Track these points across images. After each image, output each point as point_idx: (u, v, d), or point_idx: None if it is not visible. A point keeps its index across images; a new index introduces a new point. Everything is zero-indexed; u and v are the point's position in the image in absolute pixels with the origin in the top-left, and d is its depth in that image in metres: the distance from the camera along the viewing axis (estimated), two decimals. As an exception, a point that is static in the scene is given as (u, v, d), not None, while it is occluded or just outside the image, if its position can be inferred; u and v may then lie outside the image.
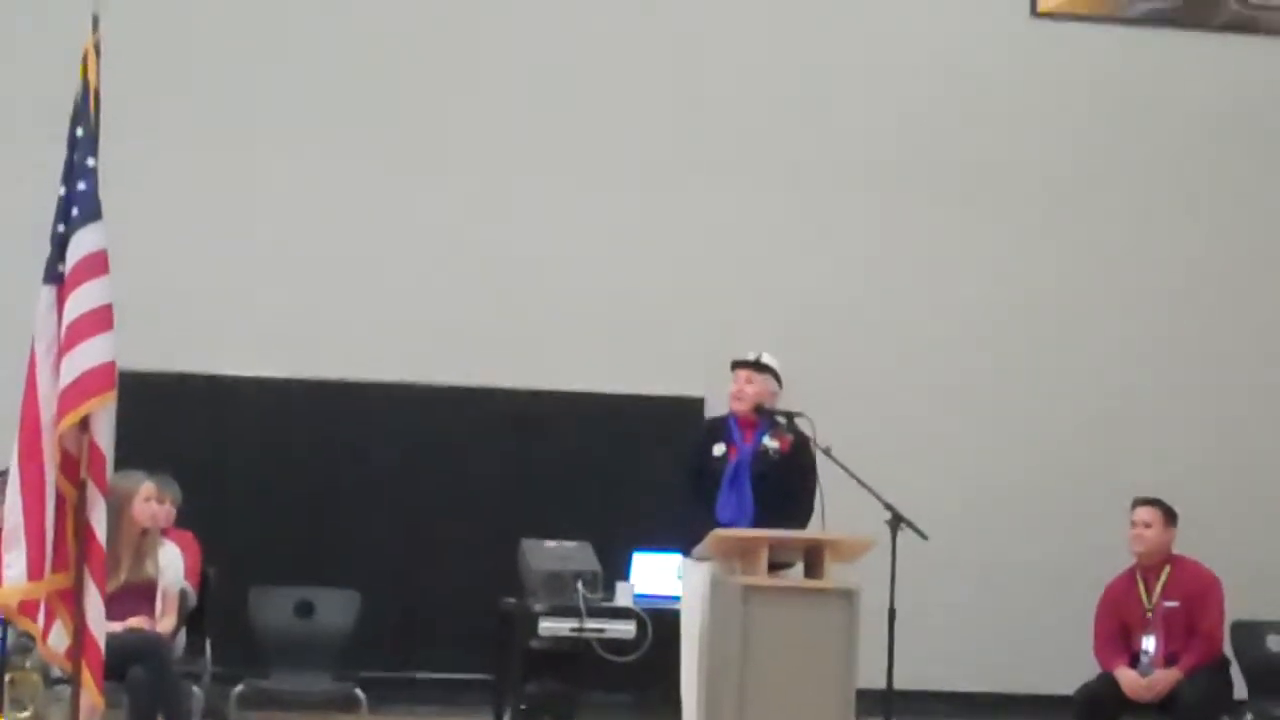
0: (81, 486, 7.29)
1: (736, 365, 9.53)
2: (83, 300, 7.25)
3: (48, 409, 7.24)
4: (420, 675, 12.50)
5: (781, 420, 9.38)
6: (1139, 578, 10.03)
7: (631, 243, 13.17)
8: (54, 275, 7.34)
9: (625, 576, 11.18)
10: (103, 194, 7.35)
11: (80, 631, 7.27)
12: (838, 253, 13.35)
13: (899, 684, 9.28)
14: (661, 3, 13.39)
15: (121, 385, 7.43)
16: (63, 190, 7.37)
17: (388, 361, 12.76)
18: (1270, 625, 11.00)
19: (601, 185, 13.13)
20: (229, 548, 10.62)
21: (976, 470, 13.21)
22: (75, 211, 7.32)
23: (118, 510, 8.72)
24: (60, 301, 7.29)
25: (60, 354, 7.24)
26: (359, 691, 10.21)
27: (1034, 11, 13.70)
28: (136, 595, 9.42)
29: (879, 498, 9.17)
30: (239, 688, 10.16)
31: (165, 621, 9.52)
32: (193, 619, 9.93)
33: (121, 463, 7.81)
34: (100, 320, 7.26)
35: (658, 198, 13.18)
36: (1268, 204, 13.76)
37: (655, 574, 11.11)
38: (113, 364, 7.29)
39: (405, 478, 12.75)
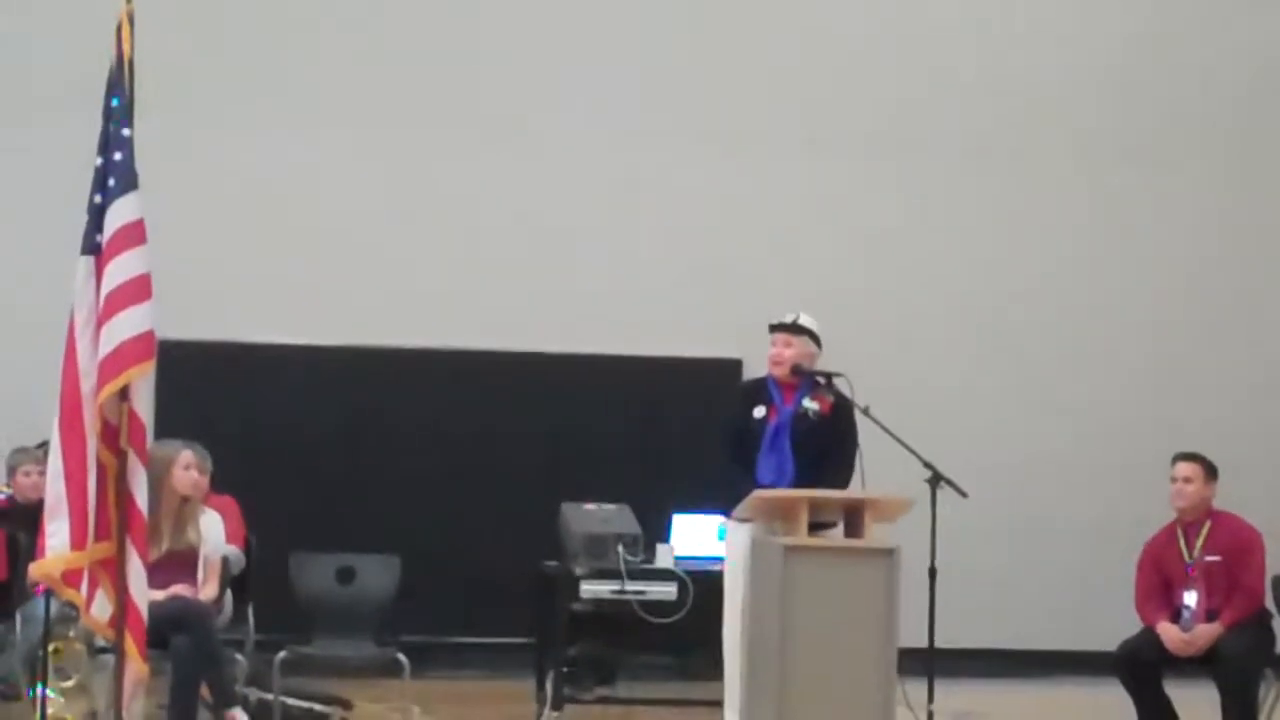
0: (122, 456, 7.31)
1: (774, 328, 9.47)
2: (121, 270, 7.26)
3: (87, 379, 7.26)
4: (462, 639, 12.55)
5: (821, 381, 9.35)
6: (1180, 533, 9.99)
7: (667, 206, 13.18)
8: (92, 246, 7.35)
9: (665, 538, 11.16)
10: (138, 165, 7.35)
11: (123, 600, 7.31)
12: (875, 213, 13.34)
13: (940, 642, 9.31)
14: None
15: (161, 354, 7.45)
16: (99, 160, 7.38)
17: (426, 328, 12.79)
18: (1312, 579, 10.95)
19: (635, 150, 13.13)
20: (269, 515, 10.63)
21: (1015, 428, 13.20)
22: (112, 181, 7.33)
23: (158, 479, 8.73)
24: (98, 272, 7.30)
25: (99, 324, 7.25)
26: (401, 656, 10.21)
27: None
28: (178, 563, 9.43)
29: (919, 456, 9.17)
30: (282, 654, 10.16)
31: (207, 589, 9.52)
32: (236, 586, 9.96)
33: (162, 431, 7.84)
34: (138, 290, 7.27)
35: (692, 160, 13.17)
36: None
37: (695, 535, 11.08)
38: (151, 333, 7.30)
39: (445, 443, 12.78)
